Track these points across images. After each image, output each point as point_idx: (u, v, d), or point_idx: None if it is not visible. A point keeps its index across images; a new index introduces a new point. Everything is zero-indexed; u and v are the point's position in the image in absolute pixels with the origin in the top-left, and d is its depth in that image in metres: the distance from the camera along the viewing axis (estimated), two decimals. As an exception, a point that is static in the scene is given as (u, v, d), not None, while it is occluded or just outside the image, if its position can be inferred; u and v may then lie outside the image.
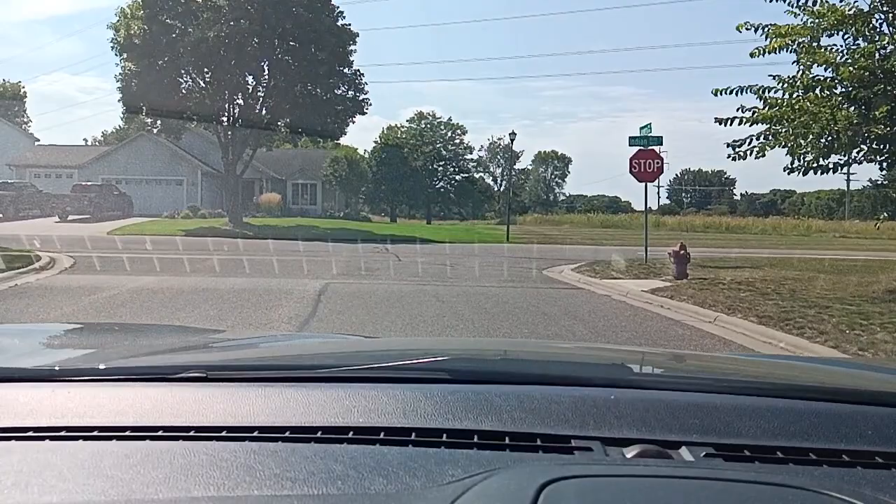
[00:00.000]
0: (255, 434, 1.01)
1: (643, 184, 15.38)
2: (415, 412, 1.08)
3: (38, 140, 51.88)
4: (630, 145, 15.22)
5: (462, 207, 64.92)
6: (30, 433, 1.02)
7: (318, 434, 1.01)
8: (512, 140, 31.68)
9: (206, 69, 29.60)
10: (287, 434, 1.01)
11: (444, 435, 1.01)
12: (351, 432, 1.02)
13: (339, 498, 0.84)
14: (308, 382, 1.21)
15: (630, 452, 0.98)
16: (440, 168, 62.49)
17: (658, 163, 15.10)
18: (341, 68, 31.33)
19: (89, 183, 37.20)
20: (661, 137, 15.24)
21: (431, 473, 0.89)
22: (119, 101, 29.60)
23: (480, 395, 1.14)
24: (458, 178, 62.71)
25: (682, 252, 12.20)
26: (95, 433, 1.02)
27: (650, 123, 15.22)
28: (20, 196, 34.54)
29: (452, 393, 1.15)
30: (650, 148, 15.15)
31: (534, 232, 37.33)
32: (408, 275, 13.37)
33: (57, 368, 1.30)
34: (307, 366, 1.40)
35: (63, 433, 1.02)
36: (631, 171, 15.13)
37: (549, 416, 1.08)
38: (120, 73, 29.14)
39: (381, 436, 1.01)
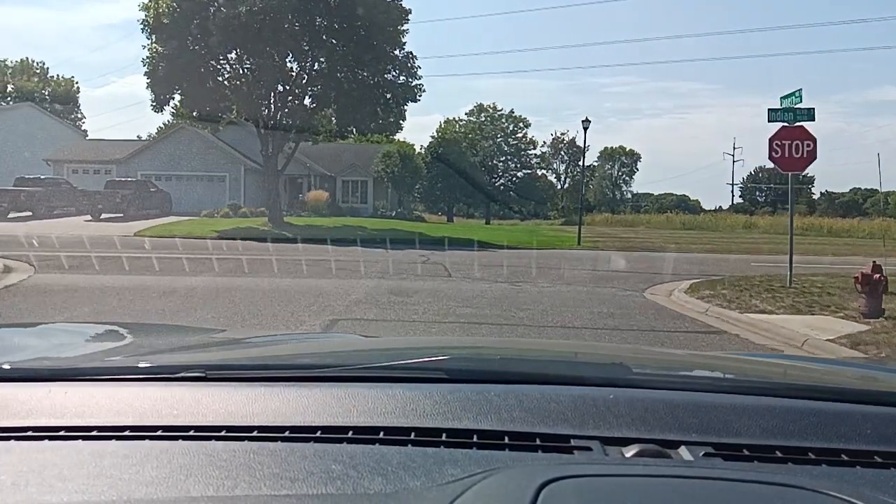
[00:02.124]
0: (255, 434, 1.00)
1: (789, 174, 11.08)
2: (414, 412, 1.07)
3: (87, 136, 50.36)
4: (769, 121, 10.93)
5: (524, 206, 60.54)
6: (29, 433, 1.01)
7: (318, 434, 1.00)
8: (585, 128, 27.39)
9: (239, 50, 26.40)
10: (286, 434, 1.00)
11: (444, 434, 1.00)
12: (350, 432, 1.01)
13: (338, 498, 0.84)
14: (307, 382, 1.19)
15: (629, 452, 0.97)
16: (500, 164, 58.43)
17: (809, 145, 10.77)
18: (391, 50, 27.69)
19: (125, 179, 34.82)
20: (813, 110, 10.96)
21: (431, 473, 0.88)
22: (147, 87, 26.79)
23: (480, 394, 1.12)
24: (519, 174, 58.49)
25: (877, 276, 7.97)
26: (95, 433, 1.01)
27: (800, 90, 10.89)
28: (52, 193, 32.15)
29: (452, 392, 1.13)
30: (798, 125, 10.88)
31: (606, 234, 32.84)
32: (456, 303, 9.51)
33: (56, 368, 1.29)
34: (307, 365, 1.37)
35: (62, 433, 1.01)
36: (771, 157, 10.89)
37: (549, 416, 1.06)
38: (147, 57, 26.30)
39: (381, 435, 1.00)
